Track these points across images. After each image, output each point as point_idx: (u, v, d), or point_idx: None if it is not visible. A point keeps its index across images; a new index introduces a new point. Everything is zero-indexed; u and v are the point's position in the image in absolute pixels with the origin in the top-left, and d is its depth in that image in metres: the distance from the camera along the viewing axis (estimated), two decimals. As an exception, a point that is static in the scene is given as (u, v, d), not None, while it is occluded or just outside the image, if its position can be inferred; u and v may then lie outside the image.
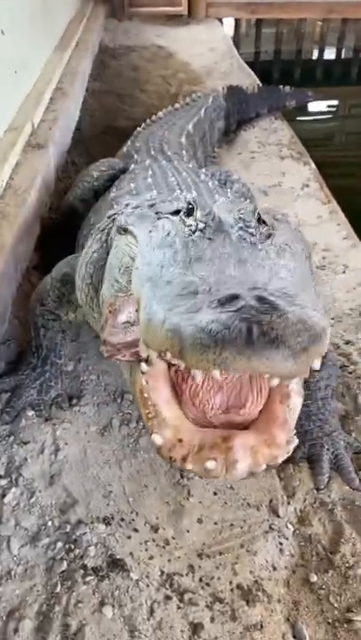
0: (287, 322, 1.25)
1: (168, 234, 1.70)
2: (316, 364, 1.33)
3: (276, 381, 1.34)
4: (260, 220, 1.73)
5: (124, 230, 1.95)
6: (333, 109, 9.00)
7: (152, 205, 2.02)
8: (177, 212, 1.82)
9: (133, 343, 1.68)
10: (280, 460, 1.48)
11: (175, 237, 1.67)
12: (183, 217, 1.72)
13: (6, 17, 3.87)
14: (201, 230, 1.65)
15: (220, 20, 9.71)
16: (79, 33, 6.80)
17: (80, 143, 5.09)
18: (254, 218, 1.71)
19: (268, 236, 1.71)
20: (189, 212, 1.72)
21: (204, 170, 3.46)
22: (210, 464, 1.41)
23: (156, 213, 1.92)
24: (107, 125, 5.50)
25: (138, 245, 1.81)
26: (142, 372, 1.56)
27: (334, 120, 8.71)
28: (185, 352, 1.26)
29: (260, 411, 1.57)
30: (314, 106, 9.13)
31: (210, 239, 1.63)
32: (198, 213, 1.69)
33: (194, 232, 1.66)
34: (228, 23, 10.22)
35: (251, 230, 1.68)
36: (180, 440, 1.47)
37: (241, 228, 1.67)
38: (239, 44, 10.35)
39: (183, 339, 1.26)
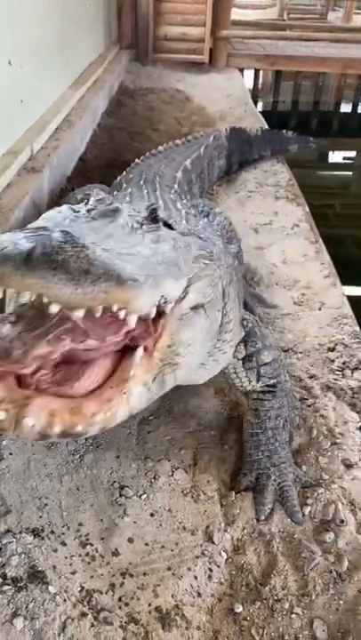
0: (80, 254, 1.21)
1: (60, 212, 1.66)
2: (130, 320, 1.29)
3: (55, 307, 1.25)
4: (155, 218, 1.69)
5: None
6: (350, 161, 9.33)
7: None
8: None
9: None
10: (81, 431, 1.38)
11: (62, 214, 1.62)
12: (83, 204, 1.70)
13: (15, 50, 4.08)
14: (88, 211, 1.62)
15: (241, 70, 10.04)
16: (98, 73, 7.10)
17: (84, 172, 5.25)
18: (146, 210, 1.68)
19: (157, 229, 1.67)
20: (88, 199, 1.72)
21: (185, 201, 3.48)
22: (0, 414, 1.36)
23: None
24: (113, 159, 5.64)
25: None
26: None
27: (350, 169, 8.99)
28: None
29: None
30: (333, 157, 9.42)
31: (93, 219, 1.59)
32: (92, 199, 1.68)
33: (78, 211, 1.63)
34: (249, 73, 10.58)
35: (137, 219, 1.64)
36: None
37: (129, 216, 1.64)
38: (258, 93, 10.70)
39: None
